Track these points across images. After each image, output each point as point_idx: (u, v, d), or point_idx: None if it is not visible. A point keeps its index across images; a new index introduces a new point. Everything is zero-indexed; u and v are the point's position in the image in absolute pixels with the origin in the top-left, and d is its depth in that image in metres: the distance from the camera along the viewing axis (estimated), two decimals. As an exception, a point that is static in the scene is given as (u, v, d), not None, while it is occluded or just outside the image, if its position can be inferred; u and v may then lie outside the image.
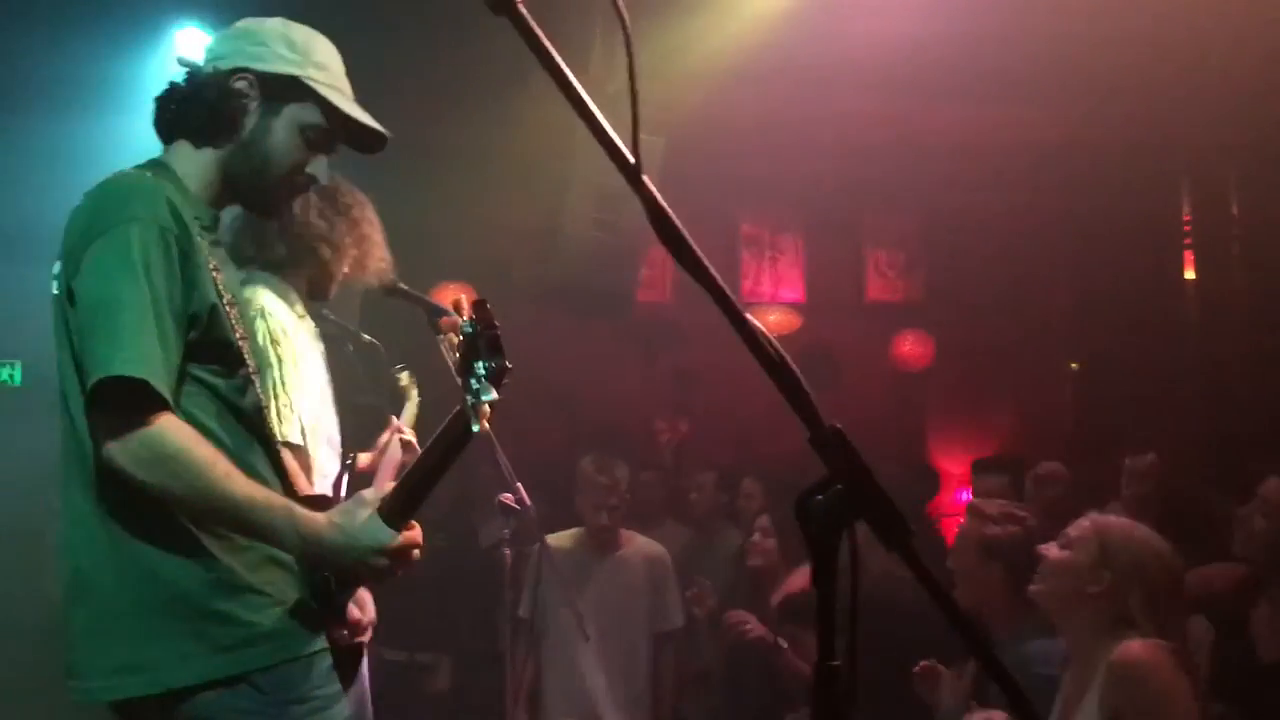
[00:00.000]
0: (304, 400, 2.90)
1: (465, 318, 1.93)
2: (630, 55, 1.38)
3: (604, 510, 4.51)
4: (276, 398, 2.78)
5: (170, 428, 1.91)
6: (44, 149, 5.54)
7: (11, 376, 5.42)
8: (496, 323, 1.94)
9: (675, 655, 4.75)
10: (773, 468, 5.45)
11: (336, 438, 3.17)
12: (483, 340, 1.91)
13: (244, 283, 2.74)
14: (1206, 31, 5.57)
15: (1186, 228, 8.05)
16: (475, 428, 1.92)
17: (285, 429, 2.77)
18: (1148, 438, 5.25)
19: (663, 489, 6.01)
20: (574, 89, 1.36)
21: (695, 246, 1.35)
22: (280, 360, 2.84)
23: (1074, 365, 8.57)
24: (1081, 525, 2.83)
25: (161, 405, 1.91)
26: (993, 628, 3.24)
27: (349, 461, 3.21)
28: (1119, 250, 7.66)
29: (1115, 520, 2.87)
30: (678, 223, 1.34)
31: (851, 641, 1.30)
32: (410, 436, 3.39)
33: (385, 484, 2.07)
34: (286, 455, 2.45)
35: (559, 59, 1.34)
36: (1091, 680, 2.66)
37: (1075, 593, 2.75)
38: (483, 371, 1.90)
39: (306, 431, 2.86)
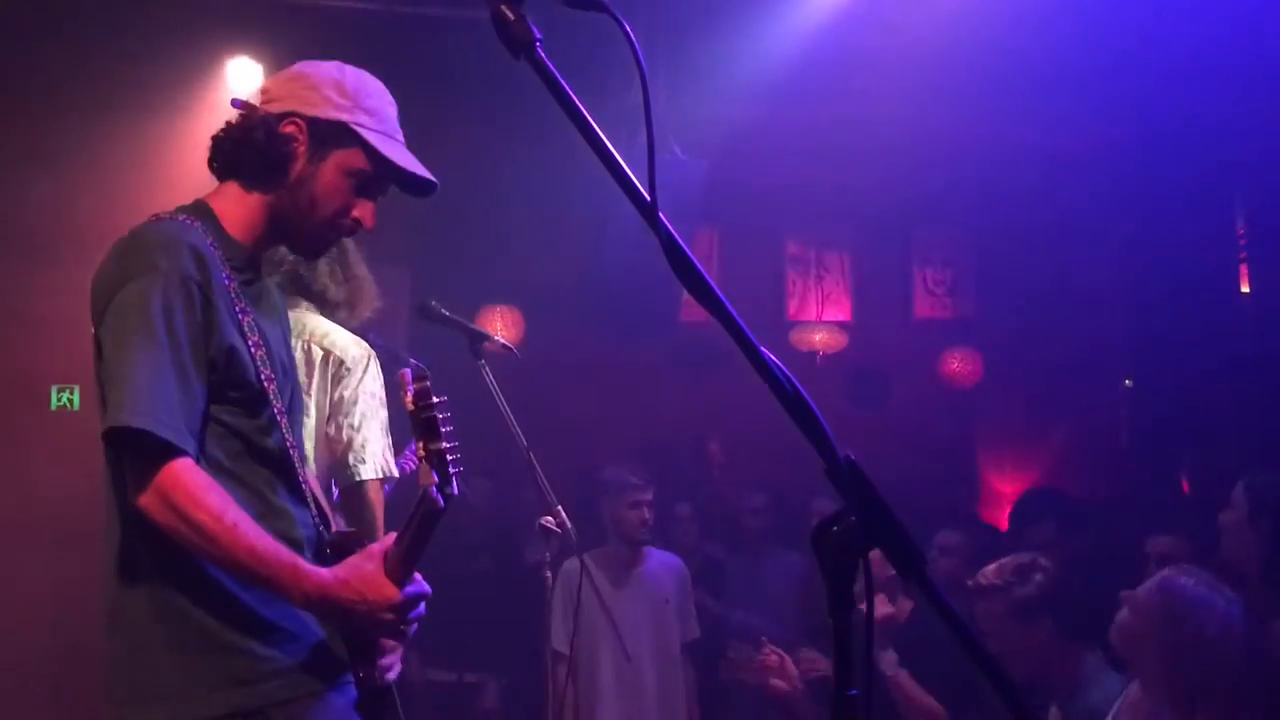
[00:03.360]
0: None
1: (409, 398, 1.99)
2: (645, 92, 1.40)
3: (642, 508, 4.48)
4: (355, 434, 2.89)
5: (181, 476, 1.96)
6: (99, 171, 5.70)
7: (71, 401, 5.54)
8: (433, 402, 2.00)
9: (694, 667, 4.78)
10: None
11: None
12: (417, 423, 1.99)
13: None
14: (1258, 43, 5.50)
15: (1241, 240, 7.91)
16: (439, 507, 1.99)
17: (363, 469, 2.87)
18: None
19: (696, 522, 6.03)
20: (591, 131, 1.39)
21: (710, 280, 1.37)
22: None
23: (1127, 382, 8.44)
24: (1150, 586, 2.75)
25: (175, 453, 1.96)
26: (1057, 682, 3.21)
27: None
28: (1172, 264, 7.54)
29: (1180, 589, 2.71)
30: (693, 258, 1.37)
31: (868, 670, 1.31)
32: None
33: (390, 536, 2.10)
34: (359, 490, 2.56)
35: (577, 101, 1.37)
36: None
37: (1137, 655, 2.73)
38: (423, 454, 1.97)
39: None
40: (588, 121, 1.38)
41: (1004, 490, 7.49)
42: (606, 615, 4.10)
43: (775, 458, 7.17)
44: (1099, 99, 6.28)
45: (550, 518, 3.48)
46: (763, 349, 1.36)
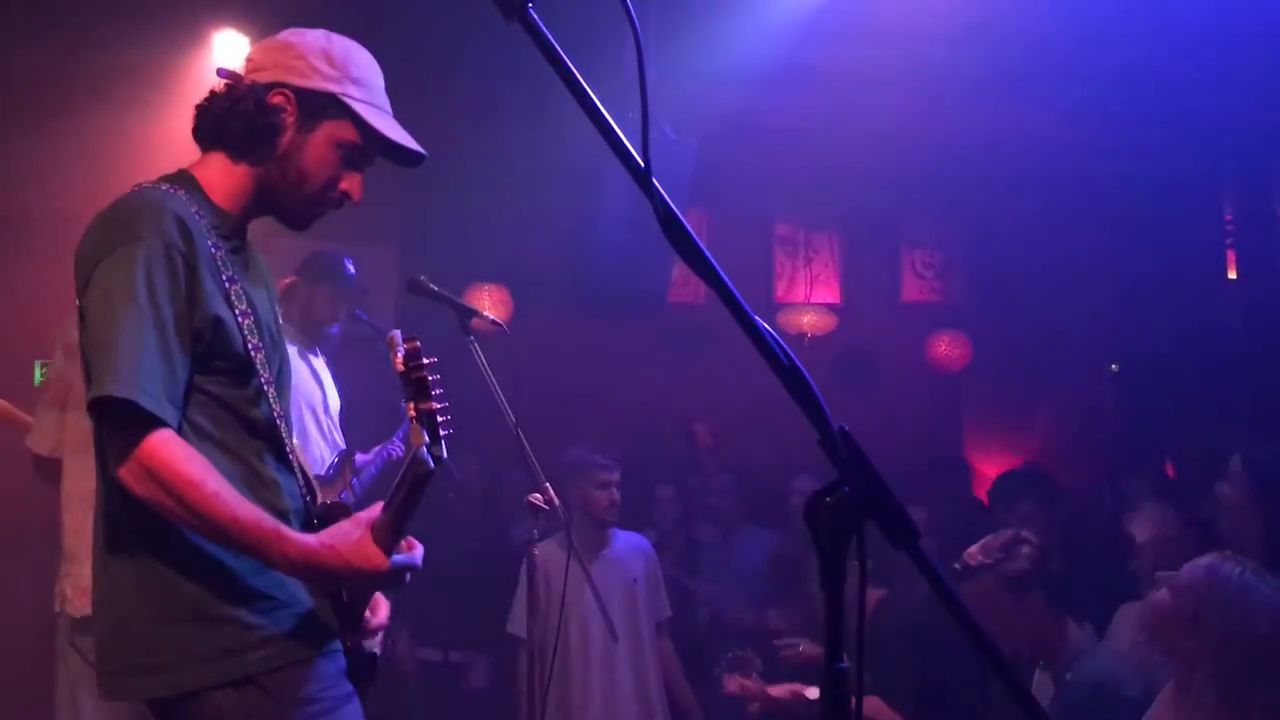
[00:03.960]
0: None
1: (399, 358, 1.96)
2: (640, 57, 1.38)
3: (610, 488, 4.47)
4: None
5: (161, 445, 1.94)
6: (88, 145, 5.65)
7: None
8: (423, 362, 1.98)
9: (671, 643, 4.80)
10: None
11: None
12: (408, 383, 1.96)
13: None
14: (1246, 28, 5.50)
15: (1229, 227, 7.94)
16: (429, 469, 1.95)
17: None
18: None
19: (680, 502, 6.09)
20: (585, 94, 1.37)
21: (706, 251, 1.36)
22: None
23: (1114, 367, 8.47)
24: (1195, 569, 2.66)
25: (155, 423, 1.94)
26: (1049, 654, 3.22)
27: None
28: (1160, 251, 7.56)
29: (1225, 579, 2.61)
30: (688, 226, 1.35)
31: (859, 643, 1.30)
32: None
33: (377, 505, 2.08)
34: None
35: (570, 64, 1.36)
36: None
37: (1168, 643, 2.68)
38: (414, 414, 1.95)
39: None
40: (581, 85, 1.36)
41: (990, 473, 7.50)
42: (575, 597, 4.08)
43: (761, 439, 7.23)
44: (1088, 85, 6.27)
45: (538, 495, 3.47)
46: (758, 319, 1.35)
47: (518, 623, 4.38)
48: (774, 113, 6.60)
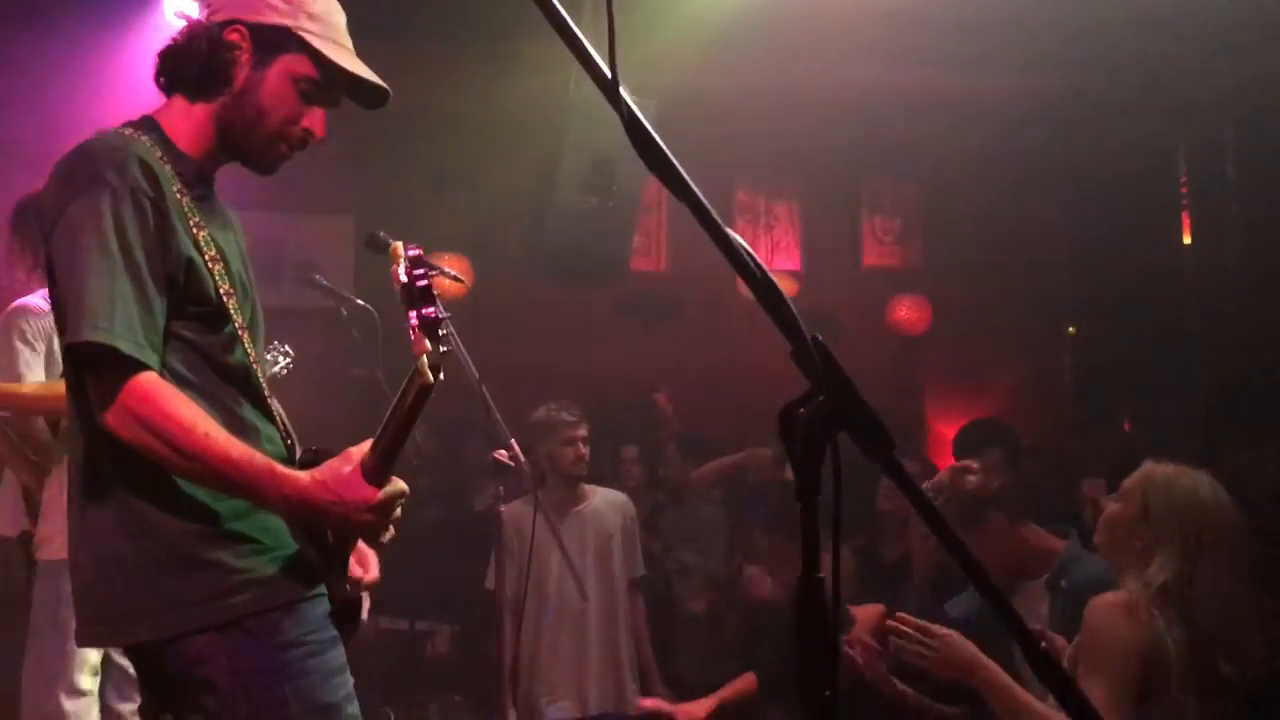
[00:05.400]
0: None
1: (401, 269, 1.92)
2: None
3: (576, 444, 4.45)
4: None
5: (148, 389, 1.92)
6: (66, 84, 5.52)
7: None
8: (426, 271, 1.93)
9: (643, 601, 4.79)
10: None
11: None
12: (412, 292, 1.91)
13: None
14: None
15: (1184, 191, 8.02)
16: (431, 379, 1.90)
17: None
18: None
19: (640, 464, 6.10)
20: (552, 6, 1.34)
21: (673, 159, 1.34)
22: None
23: (1071, 330, 8.56)
24: (1132, 477, 2.79)
25: (138, 367, 1.92)
26: (1037, 570, 3.26)
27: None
28: (1117, 216, 7.63)
29: (1161, 471, 2.77)
30: (655, 135, 1.33)
31: (835, 552, 1.29)
32: None
33: (366, 442, 2.04)
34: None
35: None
36: None
37: (1124, 546, 2.74)
38: (416, 322, 1.89)
39: None
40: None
41: (951, 435, 7.55)
42: (545, 555, 4.06)
43: (721, 408, 7.24)
44: (1047, 50, 6.29)
45: (503, 451, 3.44)
46: (728, 230, 1.33)
47: (492, 578, 4.34)
48: (734, 78, 6.58)
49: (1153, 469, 2.79)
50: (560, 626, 4.44)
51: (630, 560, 4.64)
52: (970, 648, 2.69)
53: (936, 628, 2.77)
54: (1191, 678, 2.55)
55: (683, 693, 4.66)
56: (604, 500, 4.62)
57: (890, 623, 2.85)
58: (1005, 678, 2.69)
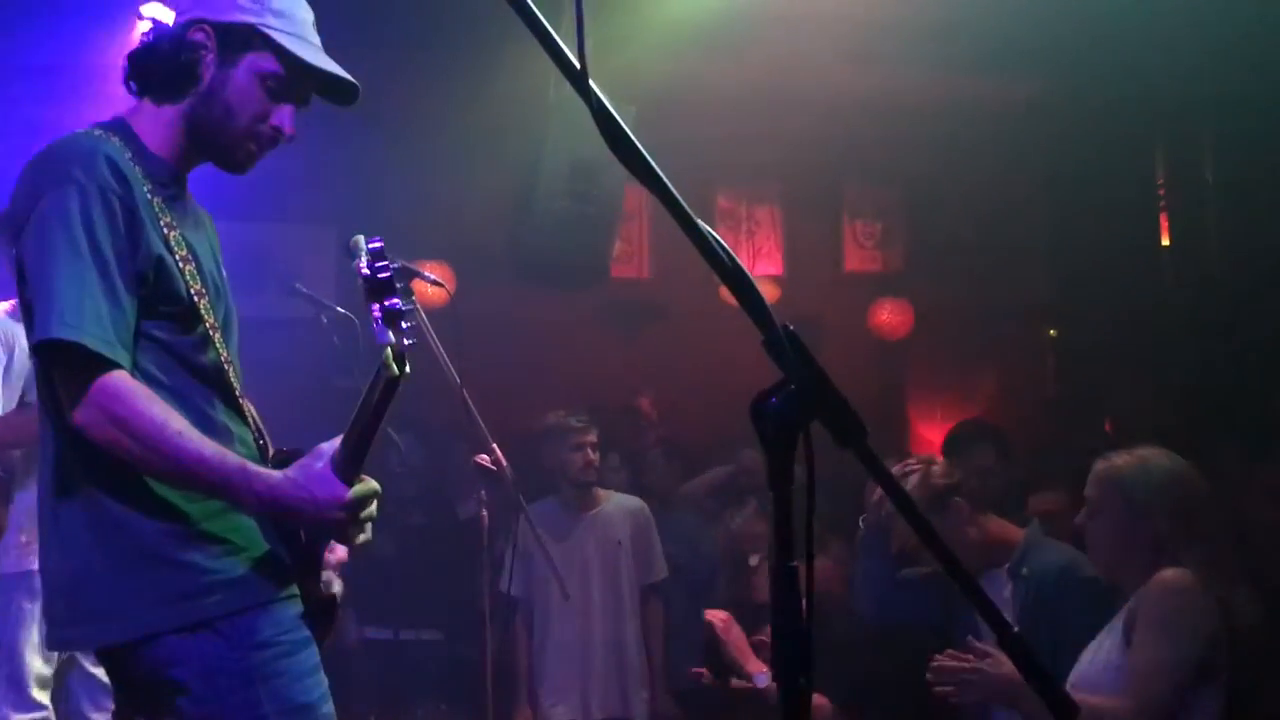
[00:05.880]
0: None
1: (362, 262, 1.92)
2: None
3: (585, 449, 4.45)
4: None
5: (119, 387, 1.91)
6: (15, 132, 5.50)
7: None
8: (387, 263, 1.93)
9: (662, 607, 4.77)
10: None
11: None
12: (373, 283, 1.91)
13: None
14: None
15: (1161, 193, 8.07)
16: (396, 372, 1.90)
17: None
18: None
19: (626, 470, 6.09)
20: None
21: (644, 152, 1.34)
22: None
23: (1052, 333, 8.60)
24: (1097, 483, 2.79)
25: (108, 365, 1.91)
26: (1002, 557, 3.27)
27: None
28: (1096, 217, 7.67)
29: (1124, 464, 2.78)
30: (626, 128, 1.34)
31: (808, 543, 1.29)
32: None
33: (337, 439, 2.04)
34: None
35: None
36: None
37: (1128, 558, 2.74)
38: (379, 314, 1.89)
39: None
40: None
41: (934, 439, 7.58)
42: (551, 561, 4.05)
43: (705, 413, 7.23)
44: (1026, 54, 6.33)
45: (485, 455, 3.44)
46: (700, 222, 1.34)
47: (513, 583, 4.33)
48: (715, 83, 6.59)
49: (1110, 465, 2.79)
50: (564, 633, 4.44)
51: (644, 566, 4.62)
52: (1009, 665, 2.60)
53: (975, 648, 2.73)
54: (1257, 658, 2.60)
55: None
56: (616, 505, 4.63)
57: (935, 666, 2.80)
58: None
